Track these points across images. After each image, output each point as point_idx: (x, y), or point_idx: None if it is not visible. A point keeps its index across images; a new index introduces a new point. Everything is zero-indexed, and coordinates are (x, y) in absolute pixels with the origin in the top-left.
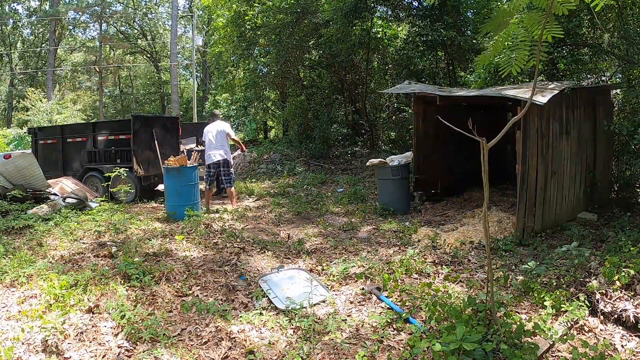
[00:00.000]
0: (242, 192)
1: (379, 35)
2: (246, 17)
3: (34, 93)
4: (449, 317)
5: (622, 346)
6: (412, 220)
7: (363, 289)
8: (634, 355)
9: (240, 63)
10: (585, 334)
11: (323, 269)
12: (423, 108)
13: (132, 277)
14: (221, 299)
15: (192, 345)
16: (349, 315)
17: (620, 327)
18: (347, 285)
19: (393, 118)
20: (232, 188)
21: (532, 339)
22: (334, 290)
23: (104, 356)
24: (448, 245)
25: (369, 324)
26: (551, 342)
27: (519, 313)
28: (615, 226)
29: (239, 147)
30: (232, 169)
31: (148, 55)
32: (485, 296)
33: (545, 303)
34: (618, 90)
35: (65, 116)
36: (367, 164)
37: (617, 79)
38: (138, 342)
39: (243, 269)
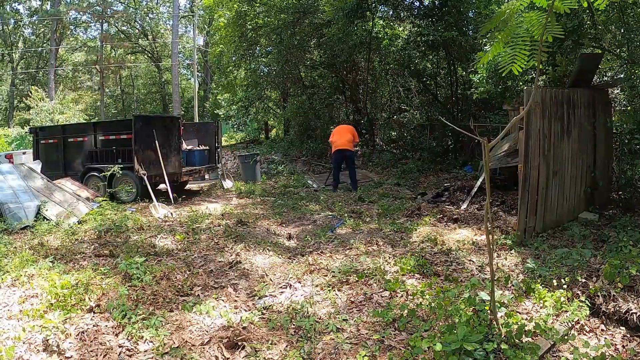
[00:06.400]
0: (243, 192)
1: (380, 35)
2: (247, 17)
3: (37, 91)
4: (450, 316)
5: (624, 346)
6: (412, 220)
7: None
8: (635, 355)
9: (242, 63)
10: (587, 334)
11: (324, 268)
12: None
13: (133, 276)
14: (223, 299)
15: (193, 345)
16: (350, 315)
17: (622, 328)
18: (348, 285)
19: (394, 117)
20: None
21: (533, 339)
22: (336, 290)
23: (105, 356)
24: (448, 245)
25: (369, 323)
26: (552, 342)
27: (520, 313)
28: (616, 226)
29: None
30: None
31: (149, 54)
32: (487, 296)
33: (546, 303)
34: (619, 90)
35: (68, 116)
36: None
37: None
38: (139, 342)
39: (245, 269)
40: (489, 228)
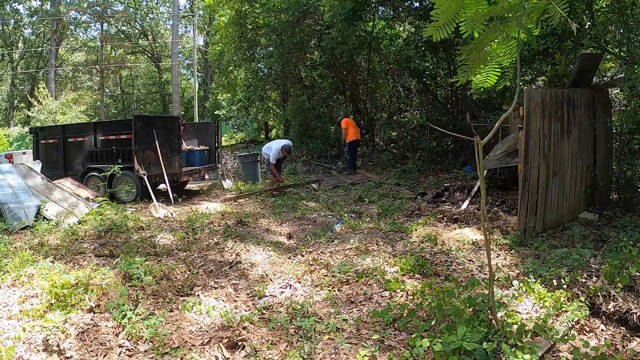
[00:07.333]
0: (243, 192)
1: (380, 36)
2: (247, 17)
3: (44, 89)
4: (450, 316)
5: (624, 346)
6: (412, 220)
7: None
8: (635, 355)
9: (242, 63)
10: (587, 334)
11: (324, 268)
12: None
13: (133, 276)
14: (223, 299)
15: (193, 345)
16: (350, 315)
17: (623, 328)
18: (348, 285)
19: (394, 118)
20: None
21: (533, 339)
22: (335, 290)
23: (105, 356)
24: (448, 245)
25: (369, 323)
26: (552, 342)
27: (519, 313)
28: (616, 226)
29: None
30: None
31: (149, 55)
32: (486, 296)
33: (546, 303)
34: (618, 90)
35: (69, 117)
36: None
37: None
38: (139, 342)
39: (244, 269)
40: (486, 226)
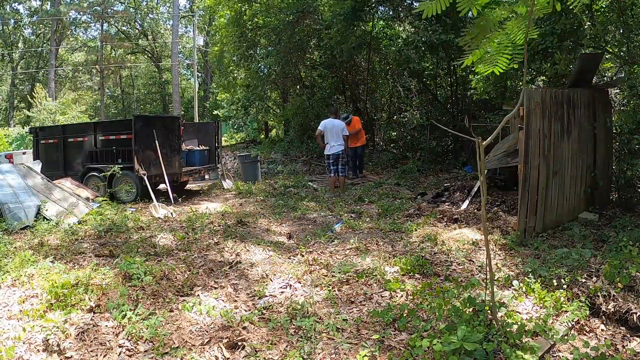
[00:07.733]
0: (242, 192)
1: (380, 36)
2: (245, 17)
3: (41, 90)
4: (450, 316)
5: (624, 346)
6: (412, 220)
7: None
8: (635, 355)
9: (241, 63)
10: (587, 334)
11: (324, 268)
12: None
13: (133, 276)
14: (223, 299)
15: (193, 345)
16: (350, 315)
17: (623, 328)
18: (348, 285)
19: (394, 118)
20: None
21: (533, 339)
22: (335, 290)
23: (105, 356)
24: (448, 245)
25: (369, 323)
26: (552, 342)
27: (520, 313)
28: (616, 226)
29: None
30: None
31: (149, 55)
32: (486, 296)
33: (546, 303)
34: (618, 90)
35: (69, 117)
36: None
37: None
38: (139, 342)
39: (244, 269)
40: (486, 226)
